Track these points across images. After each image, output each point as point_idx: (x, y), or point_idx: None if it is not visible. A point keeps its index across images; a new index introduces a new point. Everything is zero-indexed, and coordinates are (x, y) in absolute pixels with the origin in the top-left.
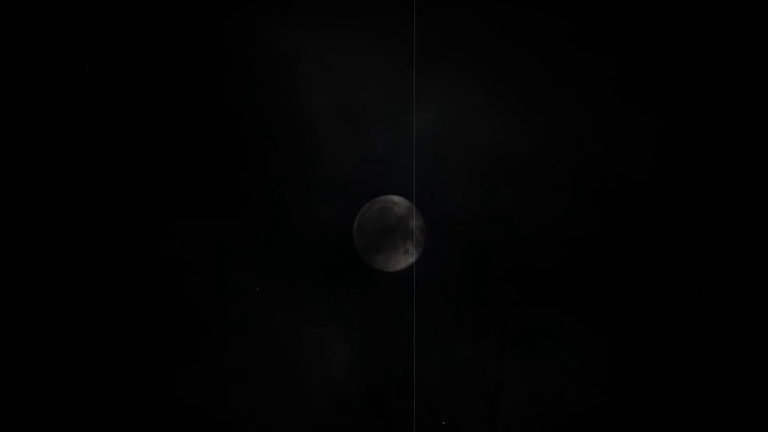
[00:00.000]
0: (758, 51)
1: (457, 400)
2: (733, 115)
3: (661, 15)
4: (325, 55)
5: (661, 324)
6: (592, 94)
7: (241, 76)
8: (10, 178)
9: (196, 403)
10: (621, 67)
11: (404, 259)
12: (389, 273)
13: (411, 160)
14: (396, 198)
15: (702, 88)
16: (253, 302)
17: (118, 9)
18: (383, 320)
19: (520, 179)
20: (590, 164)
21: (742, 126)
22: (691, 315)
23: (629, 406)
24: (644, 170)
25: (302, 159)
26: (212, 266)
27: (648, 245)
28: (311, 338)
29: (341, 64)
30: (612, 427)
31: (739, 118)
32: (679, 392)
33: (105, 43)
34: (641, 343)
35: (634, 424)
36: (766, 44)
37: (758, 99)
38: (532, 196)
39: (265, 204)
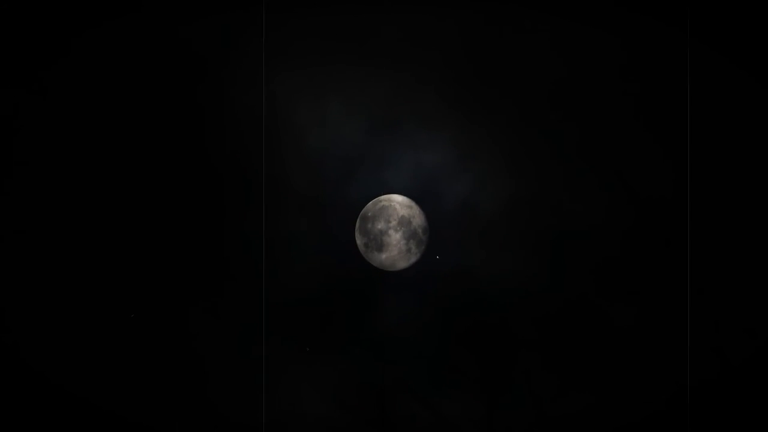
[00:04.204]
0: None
1: (456, 400)
2: (732, 114)
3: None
4: (299, 103)
5: (663, 325)
6: (569, 150)
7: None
8: None
9: (195, 405)
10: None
11: (407, 257)
12: (390, 273)
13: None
14: (399, 197)
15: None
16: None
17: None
18: (383, 322)
19: (492, 238)
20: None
21: (741, 126)
22: (692, 315)
23: (628, 406)
24: (643, 182)
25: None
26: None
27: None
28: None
29: (316, 115)
30: (612, 427)
31: (737, 118)
32: (680, 393)
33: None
34: (642, 343)
35: (634, 424)
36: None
37: (758, 99)
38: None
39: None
